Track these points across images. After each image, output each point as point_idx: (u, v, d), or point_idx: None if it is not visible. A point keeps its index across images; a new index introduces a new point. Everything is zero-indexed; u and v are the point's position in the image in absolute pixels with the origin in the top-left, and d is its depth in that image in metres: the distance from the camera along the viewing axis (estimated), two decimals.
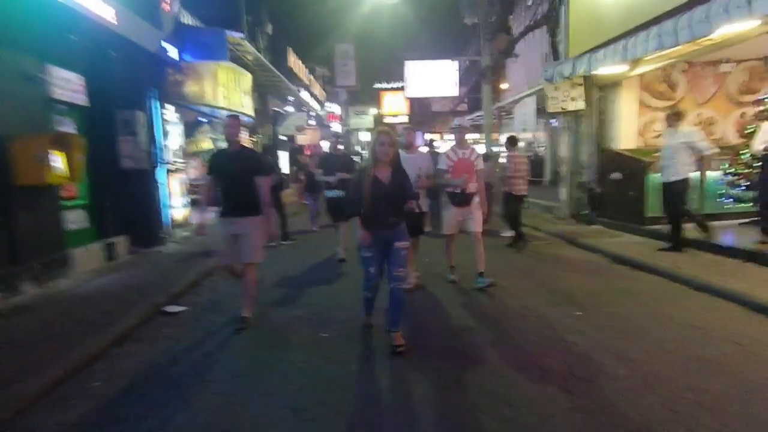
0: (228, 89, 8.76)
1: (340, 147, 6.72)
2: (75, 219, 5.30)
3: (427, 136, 32.86)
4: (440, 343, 3.31)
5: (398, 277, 3.15)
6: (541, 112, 13.78)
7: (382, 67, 33.48)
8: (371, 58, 29.73)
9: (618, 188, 7.22)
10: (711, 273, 4.51)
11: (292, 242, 7.31)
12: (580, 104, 7.57)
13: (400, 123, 33.24)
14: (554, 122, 12.65)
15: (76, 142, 4.62)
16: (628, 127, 7.42)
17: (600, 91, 7.64)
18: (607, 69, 6.09)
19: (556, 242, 7.03)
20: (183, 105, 7.65)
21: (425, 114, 34.26)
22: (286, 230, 7.38)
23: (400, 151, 3.54)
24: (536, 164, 16.38)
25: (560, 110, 7.50)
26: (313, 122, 19.92)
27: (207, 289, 4.88)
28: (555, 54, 8.62)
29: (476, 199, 4.53)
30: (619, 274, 5.11)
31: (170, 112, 7.37)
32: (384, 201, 3.06)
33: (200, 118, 11.15)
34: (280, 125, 14.61)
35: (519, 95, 13.88)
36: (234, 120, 3.66)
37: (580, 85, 7.52)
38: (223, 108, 8.67)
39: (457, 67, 19.33)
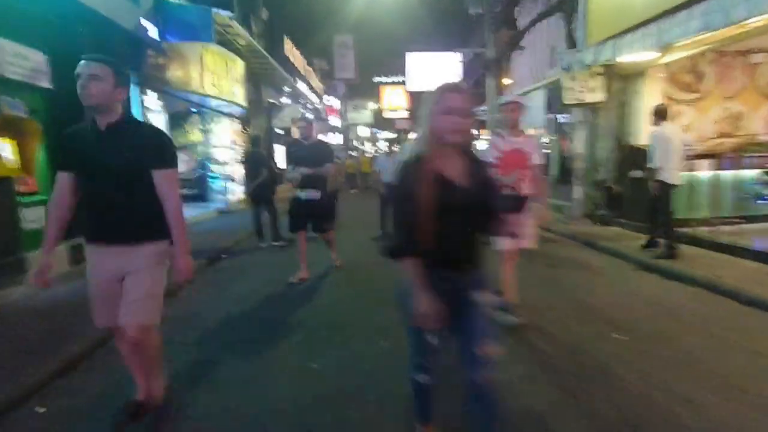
0: (217, 76, 8.11)
1: (314, 133, 4.74)
2: (35, 217, 4.65)
3: None
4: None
5: (484, 361, 1.62)
6: (551, 106, 13.20)
7: (382, 60, 32.77)
8: (371, 51, 29.01)
9: (638, 187, 6.63)
10: (759, 284, 3.95)
11: (284, 244, 6.71)
12: (599, 96, 6.97)
13: (400, 118, 32.60)
14: (563, 118, 12.06)
15: (30, 128, 3.98)
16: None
17: (621, 81, 7.04)
18: (634, 56, 5.49)
19: (572, 245, 6.45)
20: (166, 92, 7.00)
21: None
22: (278, 230, 6.77)
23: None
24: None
25: (577, 102, 6.89)
26: (310, 115, 19.25)
27: (182, 299, 4.27)
28: (570, 42, 8.00)
29: (530, 205, 3.29)
30: (650, 282, 4.54)
31: (152, 100, 6.72)
32: (460, 217, 1.61)
33: (192, 109, 10.51)
34: (276, 117, 13.94)
35: (526, 89, 13.26)
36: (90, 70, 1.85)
37: (600, 75, 6.92)
38: (211, 96, 8.03)
39: (461, 60, 18.70)
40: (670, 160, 4.76)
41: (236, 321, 3.66)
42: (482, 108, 18.69)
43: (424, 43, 21.45)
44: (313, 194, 4.43)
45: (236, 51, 9.13)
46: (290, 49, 13.86)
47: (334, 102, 25.71)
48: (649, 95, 6.77)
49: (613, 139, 7.14)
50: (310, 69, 17.59)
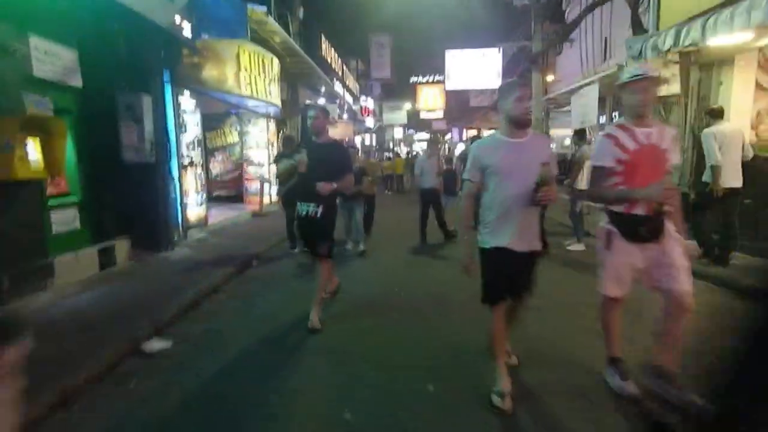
0: (252, 75, 7.86)
1: (328, 129, 3.62)
2: (64, 220, 4.50)
3: (469, 133, 31.32)
4: None
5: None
6: (604, 102, 12.10)
7: (418, 60, 32.19)
8: (407, 50, 28.50)
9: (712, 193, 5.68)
10: None
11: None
12: (674, 87, 6.07)
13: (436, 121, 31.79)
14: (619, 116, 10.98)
15: (57, 128, 3.77)
16: (738, 116, 5.83)
17: (701, 71, 6.10)
18: (728, 37, 4.62)
19: None
20: (200, 91, 6.81)
21: (462, 109, 32.60)
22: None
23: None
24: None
25: None
26: (345, 116, 19.01)
27: (206, 313, 3.92)
28: (636, 28, 7.10)
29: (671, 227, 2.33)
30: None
31: (186, 99, 6.54)
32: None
33: (232, 110, 10.44)
34: (311, 117, 13.72)
35: (577, 83, 12.25)
36: None
37: (676, 63, 6.02)
38: (247, 96, 7.79)
39: (501, 57, 17.80)
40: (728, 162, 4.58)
41: (259, 347, 3.20)
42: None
43: (463, 40, 20.68)
44: (313, 209, 3.43)
45: (272, 49, 8.89)
46: (327, 49, 13.61)
47: (370, 102, 25.40)
48: (738, 86, 5.79)
49: (690, 138, 6.20)
50: (346, 69, 17.33)
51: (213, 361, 2.93)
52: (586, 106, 10.47)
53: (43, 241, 4.12)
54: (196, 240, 6.67)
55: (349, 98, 17.78)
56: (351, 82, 18.96)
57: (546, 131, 13.06)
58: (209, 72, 6.81)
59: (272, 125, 11.04)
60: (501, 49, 16.59)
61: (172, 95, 6.10)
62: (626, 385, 2.36)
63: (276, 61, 9.06)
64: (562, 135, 17.51)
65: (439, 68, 30.03)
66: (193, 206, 6.83)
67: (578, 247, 6.05)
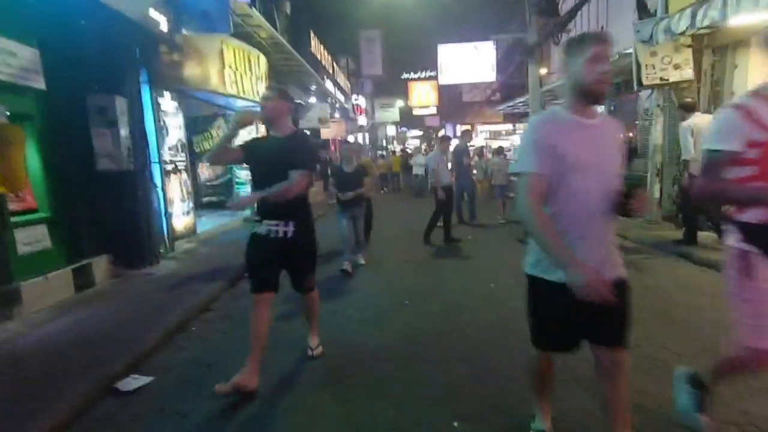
0: (238, 73, 7.42)
1: (285, 118, 2.74)
2: (31, 239, 4.06)
3: (460, 128, 31.00)
4: None
5: None
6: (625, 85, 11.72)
7: (409, 55, 31.69)
8: (398, 46, 28.00)
9: None
10: None
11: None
12: (687, 73, 5.73)
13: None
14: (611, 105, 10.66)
15: (14, 136, 3.32)
16: None
17: (714, 55, 5.78)
18: (752, 16, 4.27)
19: (661, 256, 5.27)
20: (182, 91, 6.35)
21: (456, 105, 32.26)
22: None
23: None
24: None
25: (660, 82, 5.67)
26: (338, 115, 18.56)
27: (193, 338, 3.50)
28: (642, 12, 6.76)
29: None
30: None
31: (166, 100, 6.08)
32: None
33: (218, 112, 9.97)
34: (302, 117, 13.27)
35: None
36: None
37: (688, 47, 5.68)
38: (233, 95, 7.34)
39: (495, 49, 17.46)
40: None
41: None
42: (521, 100, 17.34)
43: (456, 34, 20.28)
44: (282, 228, 2.56)
45: (258, 46, 8.43)
46: (316, 46, 13.16)
47: (362, 101, 24.95)
48: (755, 70, 5.47)
49: None
50: (337, 67, 16.88)
51: (200, 400, 2.52)
52: None
53: (6, 264, 3.66)
54: (185, 251, 6.23)
55: (340, 96, 17.33)
56: (342, 80, 18.52)
57: None
58: (191, 70, 6.35)
59: (262, 127, 10.58)
60: (495, 42, 16.24)
61: (151, 96, 5.65)
62: None
63: (263, 58, 8.62)
64: None
65: (431, 64, 29.59)
66: (180, 215, 6.38)
67: None
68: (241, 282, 5.00)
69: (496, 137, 25.91)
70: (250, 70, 7.88)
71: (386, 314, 3.75)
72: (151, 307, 3.93)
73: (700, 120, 4.77)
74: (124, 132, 4.76)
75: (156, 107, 5.71)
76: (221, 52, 6.94)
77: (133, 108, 5.00)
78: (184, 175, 6.58)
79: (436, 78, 30.58)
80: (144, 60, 5.41)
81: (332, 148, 22.66)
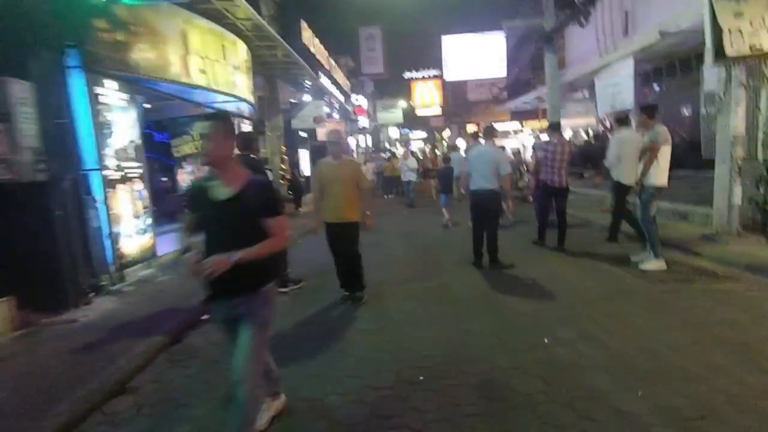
0: (208, 61, 6.17)
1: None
2: None
3: (469, 128, 29.69)
4: None
5: None
6: (649, 77, 10.35)
7: (411, 54, 30.51)
8: (399, 44, 26.82)
9: None
10: None
11: (294, 288, 4.60)
12: None
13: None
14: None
15: None
16: None
17: None
18: None
19: (753, 282, 3.90)
20: (130, 79, 5.08)
21: (461, 104, 30.96)
22: (285, 270, 4.56)
23: None
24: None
25: (749, 53, 4.31)
26: (336, 115, 17.30)
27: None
28: None
29: None
30: None
31: (111, 91, 4.82)
32: None
33: (202, 112, 8.77)
34: (295, 116, 12.02)
35: (610, 57, 10.55)
36: None
37: None
38: (201, 87, 6.09)
39: (505, 41, 16.16)
40: (623, 162, 5.02)
41: None
42: (535, 94, 15.94)
43: (461, 25, 19.03)
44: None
45: (236, 31, 7.19)
46: (310, 38, 11.93)
47: (362, 101, 23.68)
48: None
49: None
50: (335, 64, 15.65)
51: None
52: (617, 86, 8.83)
53: None
54: (138, 281, 4.95)
55: (339, 95, 16.09)
56: (341, 77, 17.28)
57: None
58: (142, 54, 5.11)
59: (247, 127, 9.33)
60: (505, 32, 14.92)
61: (87, 84, 4.38)
62: None
63: (242, 45, 7.38)
64: (576, 125, 15.83)
65: (435, 62, 28.42)
66: (132, 235, 5.12)
67: (657, 264, 4.35)
68: (194, 329, 3.70)
69: (504, 137, 24.53)
70: (225, 58, 6.63)
71: (386, 403, 2.40)
72: (45, 382, 2.65)
73: (627, 134, 5.13)
74: (28, 130, 3.49)
75: (93, 99, 4.44)
76: (184, 34, 5.72)
77: (48, 97, 3.74)
78: (139, 185, 5.31)
79: (439, 77, 29.44)
80: (72, 38, 4.15)
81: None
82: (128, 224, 5.07)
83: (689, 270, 4.31)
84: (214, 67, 6.27)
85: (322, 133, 15.10)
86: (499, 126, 25.06)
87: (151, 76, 5.25)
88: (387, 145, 31.78)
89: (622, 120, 5.55)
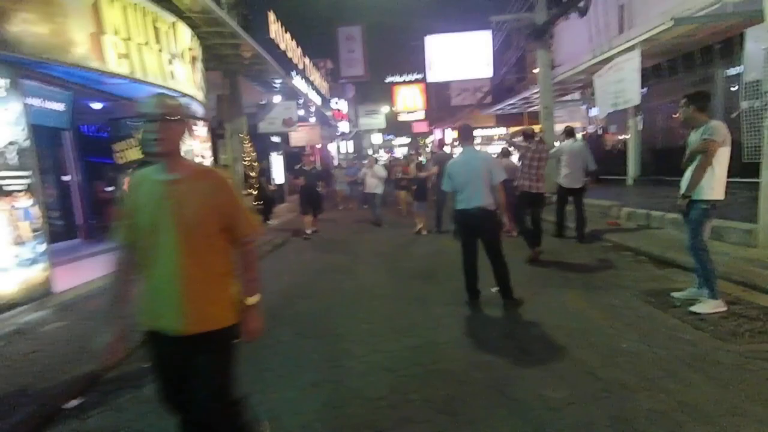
0: (132, 43, 4.92)
1: None
2: None
3: (450, 134, 28.87)
4: None
5: None
6: (654, 72, 9.51)
7: (394, 57, 29.68)
8: (381, 46, 25.93)
9: None
10: None
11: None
12: None
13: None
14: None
15: None
16: None
17: None
18: None
19: None
20: (12, 60, 3.80)
21: (444, 109, 30.16)
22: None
23: None
24: (613, 157, 12.19)
25: None
26: (313, 119, 16.09)
27: None
28: None
29: None
30: None
31: None
32: None
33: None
34: (263, 119, 10.77)
35: (591, 60, 9.69)
36: None
37: None
38: (119, 75, 4.84)
39: (491, 41, 15.30)
40: (566, 169, 5.94)
41: None
42: (524, 95, 15.11)
43: (446, 24, 18.14)
44: None
45: (182, 16, 5.96)
46: (278, 31, 10.74)
47: (343, 105, 22.52)
48: None
49: None
50: (310, 63, 14.46)
51: None
52: (621, 82, 7.90)
53: None
54: (17, 331, 3.62)
55: (315, 98, 14.90)
56: (318, 79, 16.12)
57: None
58: (31, 28, 3.84)
59: (202, 130, 8.05)
60: (493, 28, 14.03)
61: None
62: None
63: (184, 29, 6.13)
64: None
65: (418, 65, 27.60)
66: (10, 269, 3.79)
67: (714, 306, 3.26)
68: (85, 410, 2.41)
69: (488, 142, 23.67)
70: (158, 42, 5.37)
71: None
72: None
73: (573, 145, 6.12)
74: None
75: None
76: (96, 7, 4.45)
77: None
78: (26, 201, 3.99)
79: (422, 81, 28.65)
80: None
81: (311, 157, 20.12)
82: (4, 254, 3.75)
83: (761, 314, 3.20)
84: (142, 52, 5.01)
85: (296, 138, 13.88)
86: (484, 131, 24.37)
87: (42, 58, 3.97)
88: (370, 152, 30.68)
89: (569, 132, 6.40)
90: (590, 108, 17.64)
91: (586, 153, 5.98)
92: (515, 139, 6.66)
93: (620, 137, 14.21)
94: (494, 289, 3.87)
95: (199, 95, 6.68)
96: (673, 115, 11.53)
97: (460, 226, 3.82)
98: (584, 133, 15.65)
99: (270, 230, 9.18)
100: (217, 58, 8.23)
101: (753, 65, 4.41)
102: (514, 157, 7.10)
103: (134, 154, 8.54)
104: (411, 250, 6.53)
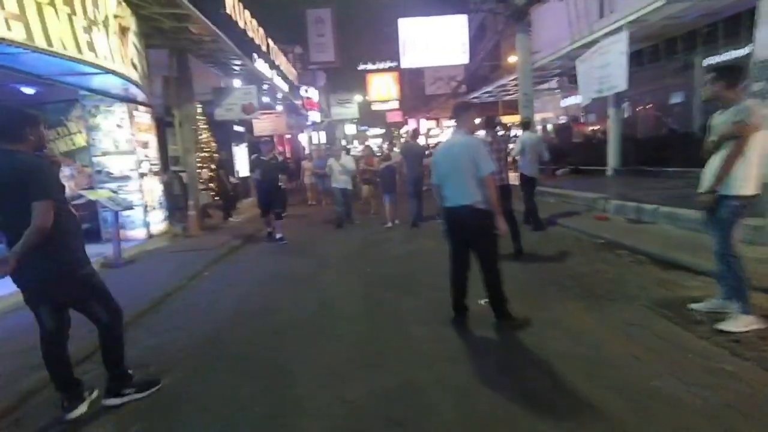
0: (33, 3, 3.90)
1: None
2: None
3: (425, 124, 28.25)
4: None
5: None
6: (635, 59, 9.09)
7: (366, 44, 28.64)
8: (353, 31, 24.86)
9: None
10: None
11: (144, 395, 2.54)
12: None
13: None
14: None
15: None
16: None
17: None
18: None
19: None
20: None
21: (419, 99, 29.47)
22: (122, 363, 2.46)
23: None
24: (592, 147, 11.86)
25: None
26: (280, 107, 15.01)
27: None
28: None
29: None
30: None
31: None
32: None
33: (75, 96, 6.42)
34: (219, 105, 9.71)
35: (571, 45, 9.20)
36: None
37: None
38: (13, 42, 3.83)
39: (467, 25, 14.65)
40: (526, 159, 6.03)
41: None
42: (502, 82, 14.57)
43: (420, 8, 17.31)
44: None
45: None
46: (236, 8, 9.66)
47: (313, 94, 21.38)
48: None
49: None
50: (273, 45, 13.34)
51: None
52: (606, 67, 7.39)
53: None
54: None
55: (282, 84, 13.82)
56: (284, 64, 15.00)
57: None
58: None
59: (144, 116, 6.99)
60: (468, 14, 13.35)
61: None
62: None
63: None
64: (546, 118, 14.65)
65: (392, 54, 26.70)
66: None
67: (747, 322, 2.71)
68: None
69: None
70: (69, 3, 4.35)
71: None
72: None
73: (530, 135, 6.37)
74: None
75: None
76: None
77: None
78: None
79: (396, 68, 27.81)
80: None
81: (280, 147, 18.95)
82: None
83: None
84: (44, 13, 3.99)
85: (260, 128, 12.82)
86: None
87: None
88: (344, 143, 29.66)
89: (526, 124, 6.80)
90: (565, 97, 17.40)
91: (541, 144, 6.25)
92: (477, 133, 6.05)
93: (592, 128, 14.00)
94: (483, 301, 3.23)
95: (133, 73, 5.67)
96: (647, 106, 11.29)
97: (448, 226, 3.12)
98: (555, 124, 15.35)
99: (228, 229, 8.26)
100: (161, 33, 7.16)
101: (764, 42, 3.91)
102: None
103: (65, 144, 7.43)
104: (384, 252, 5.82)
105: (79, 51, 4.38)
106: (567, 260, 4.64)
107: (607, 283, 3.82)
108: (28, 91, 6.97)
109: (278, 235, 6.84)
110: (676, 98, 9.87)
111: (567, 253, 4.92)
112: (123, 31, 5.36)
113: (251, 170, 7.43)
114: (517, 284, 3.72)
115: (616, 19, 7.69)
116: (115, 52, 5.10)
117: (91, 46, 4.57)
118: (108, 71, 4.89)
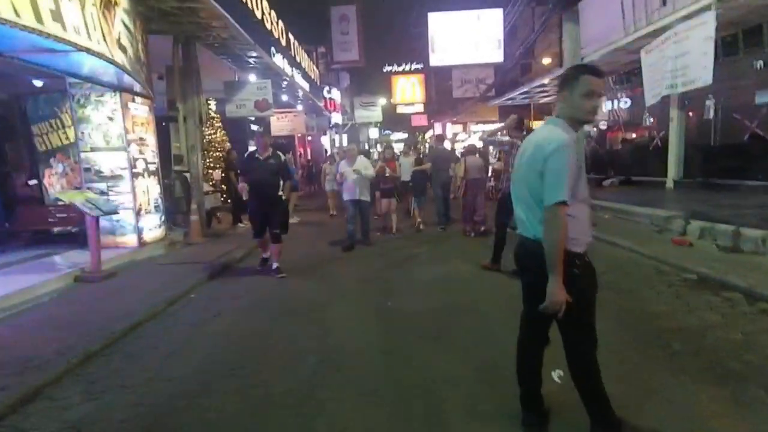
0: None
1: None
2: None
3: (451, 129, 27.10)
4: None
5: None
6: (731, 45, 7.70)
7: (392, 45, 27.77)
8: (379, 34, 24.03)
9: None
10: None
11: None
12: None
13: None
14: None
15: None
16: None
17: None
18: None
19: None
20: None
21: (445, 102, 28.28)
22: None
23: None
24: (650, 155, 10.45)
25: None
26: (300, 107, 14.19)
27: None
28: None
29: None
30: None
31: None
32: None
33: (64, 87, 5.71)
34: (230, 101, 8.89)
35: (677, 11, 7.84)
36: None
37: None
38: (9, 22, 2.95)
39: (502, 20, 13.45)
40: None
41: None
42: (538, 83, 13.25)
43: (449, 8, 16.19)
44: None
45: None
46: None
47: (336, 95, 20.54)
48: None
49: None
50: (295, 41, 12.55)
51: None
52: (685, 56, 6.10)
53: None
54: None
55: (303, 82, 13.00)
56: (305, 61, 14.20)
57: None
58: None
59: (141, 109, 6.18)
60: (504, 8, 12.18)
61: None
62: None
63: None
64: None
65: (417, 54, 25.71)
66: None
67: None
68: None
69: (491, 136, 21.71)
70: None
71: None
72: None
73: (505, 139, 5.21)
74: None
75: None
76: None
77: None
78: None
79: (422, 70, 26.77)
80: None
81: (300, 151, 18.12)
82: None
83: None
84: None
85: (278, 126, 12.02)
86: (487, 126, 22.55)
87: None
88: (367, 147, 28.73)
89: (520, 124, 6.84)
90: (608, 101, 15.91)
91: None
92: (499, 134, 5.10)
93: (625, 135, 12.56)
94: (556, 375, 2.12)
95: (119, 55, 4.81)
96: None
97: (518, 267, 1.99)
98: (598, 129, 13.93)
99: (234, 237, 7.37)
100: (163, 17, 6.35)
101: None
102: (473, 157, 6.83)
103: (58, 138, 6.73)
104: (409, 276, 4.73)
105: (39, 20, 3.52)
106: (658, 304, 3.45)
107: (738, 349, 2.62)
108: (38, 83, 6.34)
109: (275, 265, 4.96)
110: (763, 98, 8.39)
111: (653, 292, 3.72)
112: (107, 5, 4.51)
113: (240, 173, 5.39)
114: (601, 338, 2.55)
115: (641, 31, 6.37)
116: (92, 28, 4.24)
117: (56, 16, 3.70)
118: (80, 49, 4.02)
